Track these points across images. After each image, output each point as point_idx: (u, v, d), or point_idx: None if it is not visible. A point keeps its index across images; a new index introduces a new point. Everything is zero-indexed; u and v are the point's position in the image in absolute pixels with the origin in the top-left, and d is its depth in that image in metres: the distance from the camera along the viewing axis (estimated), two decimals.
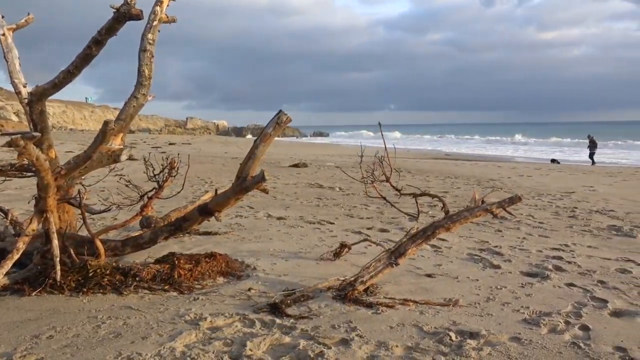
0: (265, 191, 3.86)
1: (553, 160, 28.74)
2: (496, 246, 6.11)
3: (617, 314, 3.90)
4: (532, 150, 42.87)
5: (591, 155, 27.73)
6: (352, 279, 4.23)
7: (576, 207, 9.35)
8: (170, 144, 35.30)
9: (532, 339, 3.38)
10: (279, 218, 7.72)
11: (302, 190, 11.25)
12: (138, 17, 3.87)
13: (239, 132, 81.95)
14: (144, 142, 36.35)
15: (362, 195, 9.59)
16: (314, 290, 4.21)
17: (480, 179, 14.78)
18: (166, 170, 4.44)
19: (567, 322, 3.68)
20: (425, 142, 61.80)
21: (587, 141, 28.99)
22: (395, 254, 4.34)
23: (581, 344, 3.30)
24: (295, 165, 17.72)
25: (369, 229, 7.12)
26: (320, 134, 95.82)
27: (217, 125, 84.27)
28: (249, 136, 70.81)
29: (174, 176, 4.54)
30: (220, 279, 4.60)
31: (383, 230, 7.05)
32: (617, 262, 5.46)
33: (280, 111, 3.88)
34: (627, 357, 3.14)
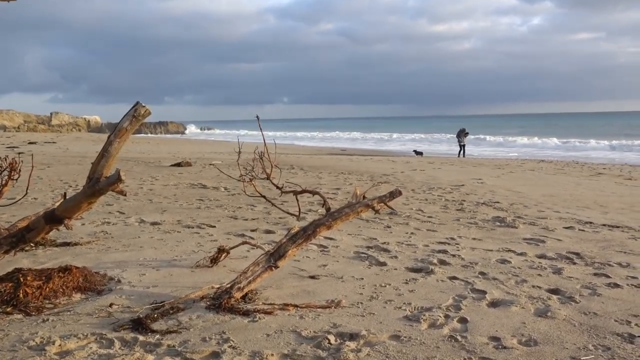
0: (122, 193, 3.67)
1: (416, 152, 30.36)
2: (384, 242, 6.35)
3: (494, 304, 4.22)
4: (429, 145, 45.29)
5: (463, 147, 29.40)
6: (228, 285, 4.17)
7: (464, 200, 10.00)
8: (30, 142, 32.78)
9: (412, 335, 3.54)
10: (153, 223, 7.44)
11: (182, 192, 10.95)
12: None
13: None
14: None
15: (249, 195, 9.54)
16: (185, 301, 4.09)
17: (374, 174, 15.32)
18: (5, 173, 4.06)
19: (446, 316, 3.90)
20: (321, 138, 62.98)
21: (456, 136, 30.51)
22: (275, 256, 4.34)
23: (458, 337, 3.52)
24: (178, 165, 17.28)
25: (253, 230, 7.09)
26: (209, 129, 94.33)
27: (89, 121, 79.47)
28: None
29: (16, 179, 4.17)
30: (77, 296, 4.32)
31: (268, 232, 7.05)
32: (499, 253, 5.92)
33: (138, 103, 3.72)
34: (500, 346, 3.39)
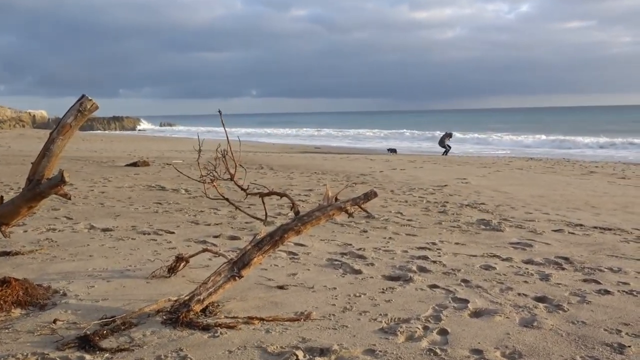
0: (66, 196, 3.61)
1: (390, 150, 31.87)
2: (359, 249, 6.38)
3: (476, 314, 4.27)
4: (411, 142, 45.62)
5: (449, 147, 30.40)
6: (187, 298, 4.13)
7: (447, 202, 10.11)
8: None
9: (387, 349, 3.56)
10: (105, 230, 7.35)
11: (138, 194, 10.84)
12: None
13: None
14: None
15: (211, 197, 9.52)
16: (139, 316, 4.04)
17: (350, 174, 15.39)
18: None
19: (425, 328, 3.94)
20: (293, 135, 63.00)
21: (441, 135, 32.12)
22: (239, 264, 4.32)
23: (437, 350, 3.55)
24: (134, 164, 17.17)
25: (216, 237, 7.05)
26: (169, 125, 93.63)
27: (34, 115, 78.00)
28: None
29: None
30: (17, 311, 4.24)
31: (233, 238, 7.02)
32: (483, 259, 5.99)
33: (83, 96, 3.66)
34: (482, 359, 3.44)
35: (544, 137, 42.96)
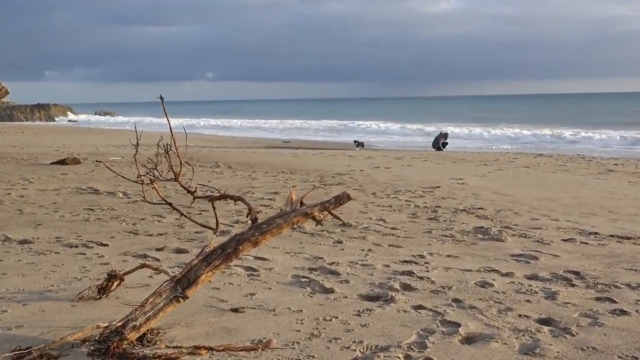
0: None
1: (357, 143, 32.77)
2: (332, 263, 6.41)
3: (469, 340, 4.32)
4: (403, 137, 45.86)
5: (444, 145, 31.31)
6: (120, 324, 4.09)
7: (439, 206, 10.20)
8: None
9: None
10: (23, 242, 7.30)
11: (65, 199, 10.79)
12: None
13: None
14: None
15: (156, 202, 9.45)
16: (61, 346, 4.01)
17: (324, 173, 15.44)
18: None
19: (407, 357, 3.98)
20: (256, 126, 62.94)
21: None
22: (183, 282, 4.30)
23: None
24: (62, 162, 17.07)
25: (159, 249, 7.03)
26: (106, 114, 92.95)
27: None
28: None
29: None
30: None
31: (180, 251, 7.00)
32: (479, 274, 6.06)
33: None
34: None
35: (555, 129, 43.50)
